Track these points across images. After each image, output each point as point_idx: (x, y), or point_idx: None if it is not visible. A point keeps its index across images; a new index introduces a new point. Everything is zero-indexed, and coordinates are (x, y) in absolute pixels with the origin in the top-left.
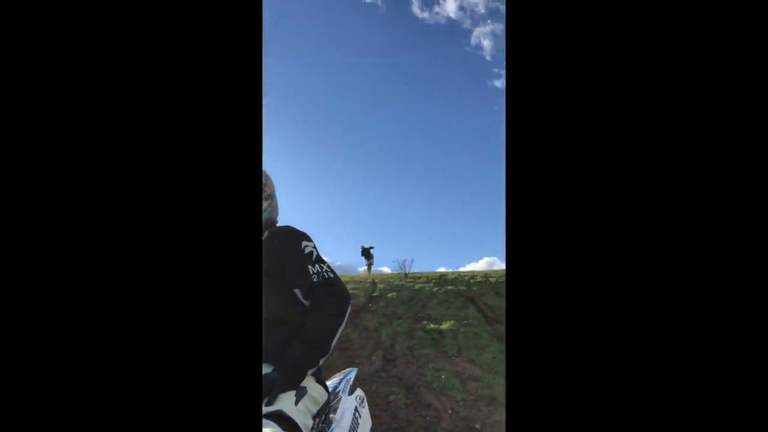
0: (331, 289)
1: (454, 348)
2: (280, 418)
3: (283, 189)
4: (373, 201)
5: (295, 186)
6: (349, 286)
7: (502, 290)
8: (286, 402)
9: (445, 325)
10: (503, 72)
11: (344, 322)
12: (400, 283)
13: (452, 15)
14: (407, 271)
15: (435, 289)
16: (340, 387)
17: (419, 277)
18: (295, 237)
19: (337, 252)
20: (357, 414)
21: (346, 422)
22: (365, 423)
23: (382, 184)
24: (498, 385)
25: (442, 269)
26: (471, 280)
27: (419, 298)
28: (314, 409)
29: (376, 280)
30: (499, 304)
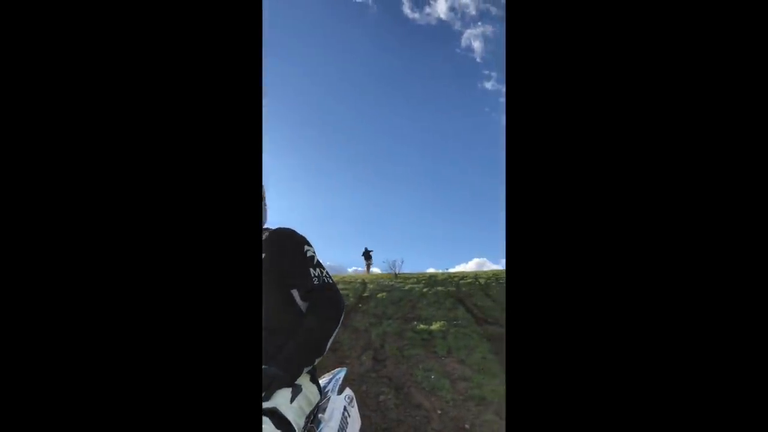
0: (330, 293)
1: (443, 348)
2: (274, 415)
3: (274, 189)
4: (363, 201)
5: (286, 186)
6: (339, 286)
7: (492, 291)
8: (281, 399)
9: (435, 326)
10: (493, 74)
11: (338, 327)
12: (391, 283)
13: (443, 16)
14: (397, 272)
15: (425, 290)
16: (329, 387)
17: (409, 278)
18: (297, 239)
19: (327, 252)
20: (346, 414)
21: (335, 422)
22: (354, 423)
23: (372, 184)
24: (487, 386)
25: (432, 270)
26: (461, 281)
27: (409, 298)
28: (307, 410)
29: (366, 281)
30: (489, 304)
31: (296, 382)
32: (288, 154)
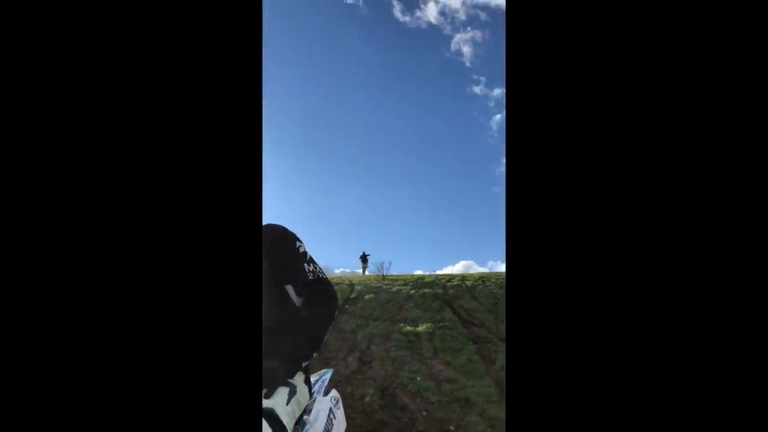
0: (326, 288)
1: (430, 350)
2: (271, 416)
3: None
4: (351, 203)
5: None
6: None
7: (478, 293)
8: (279, 399)
9: (421, 328)
10: (482, 78)
11: (332, 323)
12: (378, 285)
13: (433, 20)
14: (385, 274)
15: (412, 292)
16: (315, 388)
17: (397, 280)
18: (290, 236)
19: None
20: (332, 415)
21: (320, 424)
22: (340, 424)
23: (361, 186)
24: (473, 387)
25: (419, 272)
26: (448, 283)
27: (396, 300)
28: (298, 413)
29: (354, 282)
30: (475, 307)
31: (292, 382)
32: (275, 155)
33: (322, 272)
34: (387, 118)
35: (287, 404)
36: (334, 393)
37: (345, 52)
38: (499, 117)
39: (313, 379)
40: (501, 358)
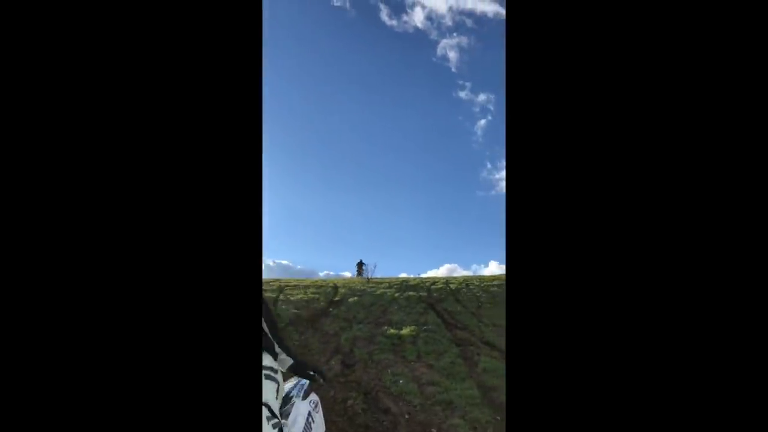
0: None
1: (413, 353)
2: (266, 407)
3: None
4: (336, 206)
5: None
6: (309, 291)
7: (462, 296)
8: (270, 395)
9: (405, 331)
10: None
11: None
12: (362, 288)
13: (420, 25)
14: (369, 276)
15: (396, 295)
16: (294, 392)
17: (381, 283)
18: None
19: (299, 256)
20: (310, 419)
21: (298, 428)
22: (319, 428)
23: (346, 189)
24: (455, 390)
25: (403, 275)
26: (432, 286)
27: (380, 303)
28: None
29: (338, 285)
30: (459, 310)
31: (276, 377)
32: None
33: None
34: (372, 121)
35: (276, 399)
36: (313, 397)
37: (330, 53)
38: (484, 122)
39: (292, 382)
40: (483, 361)
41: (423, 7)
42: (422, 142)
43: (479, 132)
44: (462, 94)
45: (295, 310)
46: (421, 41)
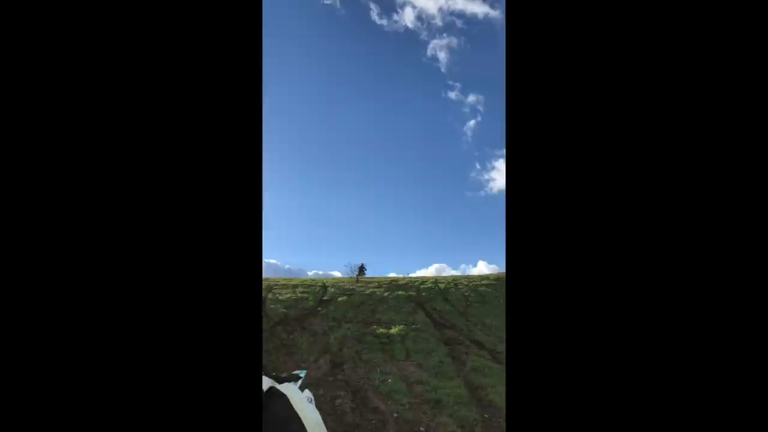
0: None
1: (402, 352)
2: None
3: None
4: (325, 205)
5: None
6: (298, 290)
7: (451, 296)
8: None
9: (394, 330)
10: (457, 84)
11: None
12: (351, 287)
13: (410, 25)
14: (358, 276)
15: (386, 294)
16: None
17: (370, 282)
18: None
19: (288, 255)
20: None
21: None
22: (315, 419)
23: (335, 188)
24: (443, 389)
25: (392, 274)
26: (421, 286)
27: (370, 302)
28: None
29: (327, 284)
30: (448, 309)
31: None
32: None
33: None
34: (361, 120)
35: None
36: (307, 392)
37: (319, 51)
38: (473, 123)
39: (286, 378)
40: (472, 360)
41: (413, 6)
42: (411, 142)
43: (469, 133)
44: (452, 95)
45: (284, 310)
46: (411, 41)
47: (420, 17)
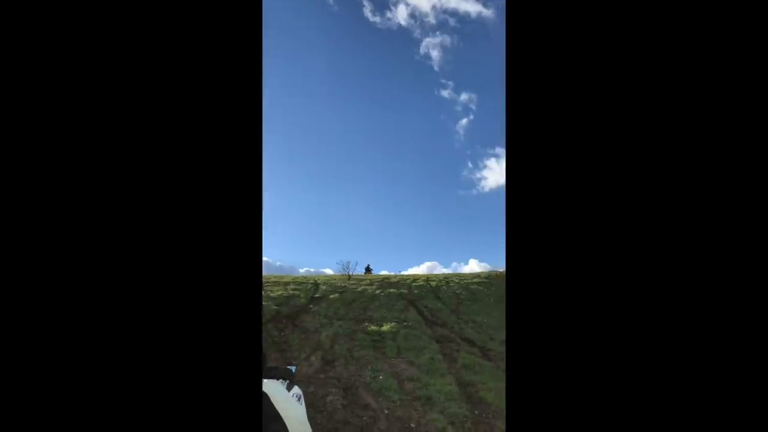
0: None
1: (393, 349)
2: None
3: None
4: (317, 203)
5: None
6: (290, 287)
7: (442, 294)
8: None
9: (385, 327)
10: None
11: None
12: (343, 285)
13: (403, 23)
14: (351, 273)
15: (377, 292)
16: (278, 382)
17: (362, 280)
18: None
19: (280, 253)
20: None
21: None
22: (301, 418)
23: (327, 186)
24: (434, 386)
25: (384, 272)
26: (413, 284)
27: (361, 300)
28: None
29: (319, 282)
30: (439, 307)
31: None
32: None
33: None
34: (353, 118)
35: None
36: (296, 389)
37: (311, 48)
38: (466, 121)
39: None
40: (463, 357)
41: (406, 4)
42: (404, 140)
43: (461, 131)
44: (444, 93)
45: (275, 307)
46: (404, 39)
47: (413, 15)
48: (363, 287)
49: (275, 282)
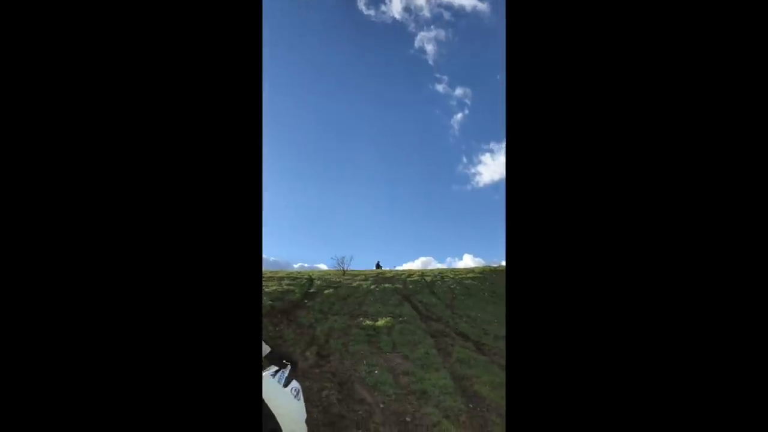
0: None
1: (388, 344)
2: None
3: None
4: (311, 198)
5: None
6: (284, 282)
7: (437, 288)
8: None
9: (380, 322)
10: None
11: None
12: (338, 279)
13: (397, 16)
14: (345, 269)
15: (372, 287)
16: (275, 379)
17: (357, 275)
18: None
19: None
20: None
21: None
22: (299, 415)
23: (321, 180)
24: (429, 380)
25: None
26: (407, 279)
27: (356, 295)
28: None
29: (313, 277)
30: (434, 301)
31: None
32: None
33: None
34: (347, 113)
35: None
36: (294, 384)
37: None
38: (461, 116)
39: (272, 370)
40: (457, 351)
41: None
42: (398, 135)
43: (456, 126)
44: (439, 88)
45: (270, 302)
46: (398, 33)
47: (408, 8)
48: (358, 282)
49: (270, 277)
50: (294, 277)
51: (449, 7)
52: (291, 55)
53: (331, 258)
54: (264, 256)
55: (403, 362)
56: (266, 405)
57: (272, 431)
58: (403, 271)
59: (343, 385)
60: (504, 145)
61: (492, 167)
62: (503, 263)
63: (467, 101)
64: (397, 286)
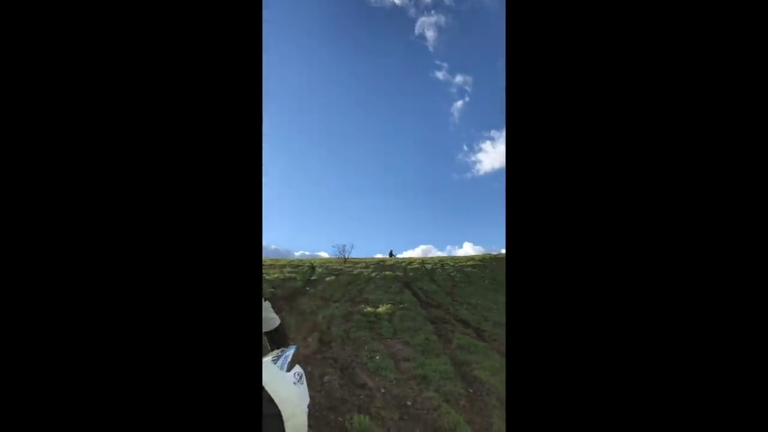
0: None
1: (389, 330)
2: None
3: None
4: (312, 186)
5: None
6: (286, 270)
7: (437, 276)
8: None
9: (381, 309)
10: (444, 64)
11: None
12: (339, 267)
13: (397, 1)
14: (346, 256)
15: (373, 274)
16: (278, 364)
17: (358, 262)
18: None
19: (274, 236)
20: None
21: (282, 399)
22: (303, 400)
23: (321, 168)
24: (429, 365)
25: (380, 255)
26: (408, 266)
27: (357, 282)
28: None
29: (315, 264)
30: (434, 289)
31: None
32: None
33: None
34: (347, 100)
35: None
36: (297, 369)
37: (303, 26)
38: (461, 103)
39: (274, 354)
40: (457, 338)
41: None
42: (399, 122)
43: (456, 114)
44: (439, 75)
45: (272, 289)
46: (398, 18)
47: None
48: (359, 270)
49: (271, 265)
50: (296, 265)
51: None
52: (290, 39)
53: (333, 246)
54: (265, 244)
55: (404, 348)
56: (266, 391)
57: (273, 416)
58: (403, 258)
59: (344, 371)
60: (504, 132)
61: (492, 155)
62: (503, 251)
63: (467, 88)
64: (398, 273)
